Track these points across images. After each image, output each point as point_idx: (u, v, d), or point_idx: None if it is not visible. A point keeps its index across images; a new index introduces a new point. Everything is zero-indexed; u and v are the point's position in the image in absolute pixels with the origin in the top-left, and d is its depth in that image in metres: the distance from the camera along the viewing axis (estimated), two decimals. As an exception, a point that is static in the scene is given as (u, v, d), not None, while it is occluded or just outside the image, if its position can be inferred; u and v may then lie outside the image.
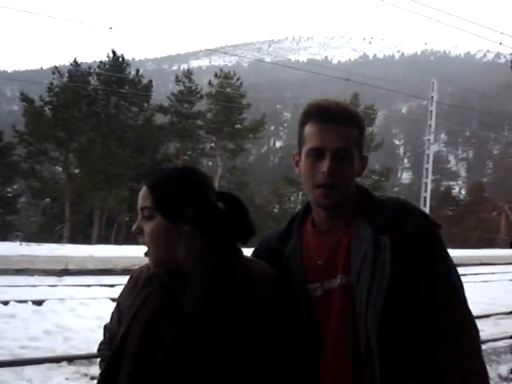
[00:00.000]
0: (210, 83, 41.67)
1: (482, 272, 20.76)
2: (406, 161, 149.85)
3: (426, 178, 29.19)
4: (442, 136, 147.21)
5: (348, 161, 1.54)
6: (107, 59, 38.15)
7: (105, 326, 1.72)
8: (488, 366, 5.33)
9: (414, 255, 1.47)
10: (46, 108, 33.83)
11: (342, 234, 1.58)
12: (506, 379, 6.26)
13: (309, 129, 1.57)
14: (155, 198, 1.47)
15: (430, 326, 1.46)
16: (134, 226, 1.48)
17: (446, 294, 1.48)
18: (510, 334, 8.76)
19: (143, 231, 1.47)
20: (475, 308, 10.94)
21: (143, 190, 1.49)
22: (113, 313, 1.68)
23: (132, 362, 1.43)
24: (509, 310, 10.93)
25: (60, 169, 35.85)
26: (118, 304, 1.67)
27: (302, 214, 1.73)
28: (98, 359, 1.69)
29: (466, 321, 1.51)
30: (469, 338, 1.51)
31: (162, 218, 1.45)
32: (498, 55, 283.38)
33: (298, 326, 1.52)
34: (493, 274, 20.36)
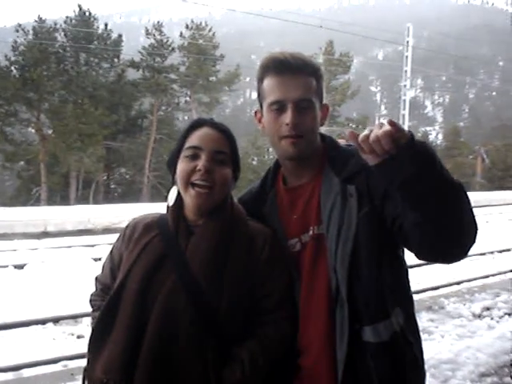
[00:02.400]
0: (181, 35, 40.61)
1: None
2: (383, 107, 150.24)
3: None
4: (419, 81, 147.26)
5: (310, 111, 1.55)
6: (73, 14, 36.78)
7: (96, 278, 1.74)
8: (462, 305, 5.53)
9: (379, 192, 1.49)
10: (12, 68, 32.66)
11: (312, 187, 1.61)
12: (478, 316, 6.51)
13: (268, 82, 1.58)
14: (232, 147, 1.59)
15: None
16: (206, 164, 1.50)
17: None
18: (482, 275, 9.06)
19: (212, 171, 1.51)
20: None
21: (217, 134, 1.57)
22: (104, 263, 1.70)
23: (130, 308, 1.46)
24: (482, 252, 11.24)
25: (32, 130, 35.01)
26: (111, 254, 1.68)
27: (272, 172, 1.76)
28: (85, 317, 1.71)
29: None
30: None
31: (231, 168, 1.57)
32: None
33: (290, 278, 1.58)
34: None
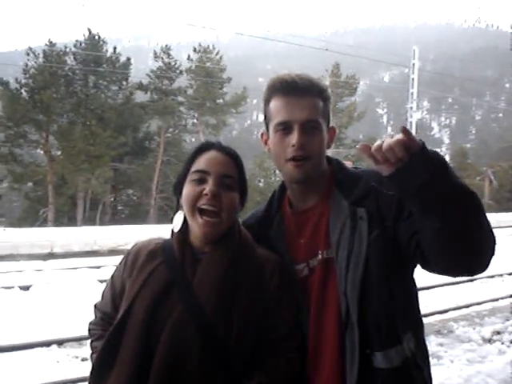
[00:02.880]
0: (189, 58, 41.11)
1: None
2: (389, 129, 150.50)
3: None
4: (425, 103, 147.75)
5: (317, 132, 1.54)
6: (83, 38, 37.35)
7: (95, 306, 1.69)
8: (471, 329, 5.43)
9: (391, 213, 1.47)
10: (22, 90, 33.05)
11: (320, 211, 1.59)
12: (488, 341, 6.40)
13: (274, 104, 1.56)
14: (240, 171, 1.56)
15: None
16: (213, 189, 1.47)
17: None
18: (492, 298, 8.93)
19: (219, 196, 1.48)
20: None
21: (225, 158, 1.53)
22: (104, 291, 1.65)
23: (136, 339, 1.40)
24: (492, 274, 11.10)
25: (41, 152, 35.30)
26: (111, 281, 1.63)
27: (278, 195, 1.73)
28: (89, 340, 1.66)
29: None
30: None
31: (238, 191, 1.54)
32: (478, 20, 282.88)
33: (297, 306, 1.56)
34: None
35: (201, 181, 1.50)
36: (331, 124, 1.62)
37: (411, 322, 1.54)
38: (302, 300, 1.55)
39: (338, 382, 1.46)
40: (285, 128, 1.53)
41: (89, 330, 1.66)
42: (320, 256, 1.55)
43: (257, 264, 1.52)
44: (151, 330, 1.40)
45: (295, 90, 1.52)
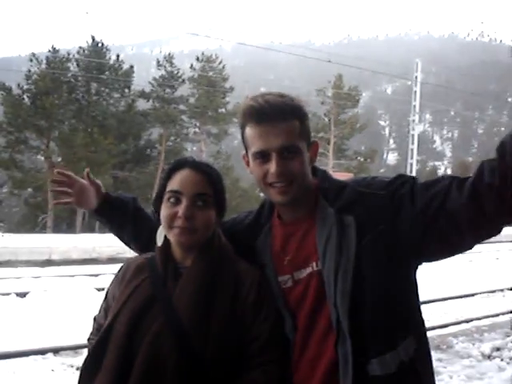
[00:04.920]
0: (191, 67, 41.31)
1: (466, 252, 20.76)
2: (391, 142, 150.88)
3: (412, 158, 29.39)
4: (427, 116, 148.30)
5: (296, 155, 1.52)
6: (86, 45, 37.58)
7: (94, 318, 1.75)
8: (471, 345, 5.39)
9: (385, 218, 1.45)
10: (24, 96, 33.19)
11: (308, 224, 1.58)
12: (488, 357, 6.34)
13: (249, 132, 1.55)
14: (215, 187, 1.57)
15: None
16: (186, 212, 1.49)
17: None
18: (492, 313, 8.87)
19: (193, 217, 1.50)
20: (459, 287, 11.11)
21: (198, 176, 1.55)
22: (102, 304, 1.73)
23: (117, 350, 1.46)
24: (492, 289, 11.05)
25: (41, 158, 35.36)
26: (106, 295, 1.70)
27: (268, 204, 1.72)
28: (85, 349, 1.72)
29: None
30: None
31: (214, 209, 1.56)
32: (481, 34, 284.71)
33: (278, 317, 1.54)
34: (479, 252, 20.63)
35: (175, 201, 1.53)
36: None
37: (411, 325, 1.51)
38: (284, 312, 1.53)
39: None
40: (262, 157, 1.52)
41: (88, 339, 1.71)
42: (310, 268, 1.53)
43: (234, 278, 1.54)
44: (132, 342, 1.45)
45: (266, 118, 1.49)
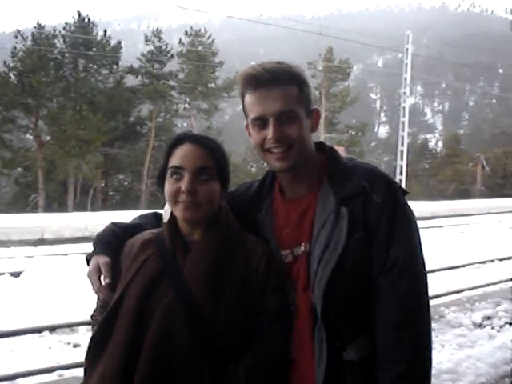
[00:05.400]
0: (180, 42, 40.70)
1: (457, 223, 21.17)
2: (382, 115, 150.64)
3: (403, 131, 29.36)
4: (418, 89, 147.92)
5: (294, 121, 1.52)
6: (72, 20, 36.87)
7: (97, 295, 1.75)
8: (462, 314, 5.46)
9: (375, 227, 1.48)
10: (10, 74, 32.65)
11: (308, 202, 1.59)
12: (479, 326, 6.46)
13: (247, 99, 1.56)
14: (218, 160, 1.56)
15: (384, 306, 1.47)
16: (188, 186, 1.49)
17: (400, 272, 1.48)
18: (483, 283, 9.00)
19: (196, 192, 1.50)
20: (450, 259, 11.25)
21: (199, 150, 1.54)
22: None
23: (127, 323, 1.46)
24: (483, 260, 11.19)
25: (30, 137, 34.99)
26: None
27: (270, 178, 1.73)
28: (81, 326, 1.69)
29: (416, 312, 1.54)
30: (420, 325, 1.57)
31: (218, 182, 1.55)
32: (472, 4, 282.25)
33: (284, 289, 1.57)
34: (468, 224, 20.84)
35: (178, 177, 1.53)
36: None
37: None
38: (288, 286, 1.56)
39: (312, 371, 1.48)
40: (261, 123, 1.52)
41: (91, 316, 1.71)
42: (303, 248, 1.55)
43: (244, 251, 1.56)
44: (143, 315, 1.46)
45: (264, 82, 1.49)
